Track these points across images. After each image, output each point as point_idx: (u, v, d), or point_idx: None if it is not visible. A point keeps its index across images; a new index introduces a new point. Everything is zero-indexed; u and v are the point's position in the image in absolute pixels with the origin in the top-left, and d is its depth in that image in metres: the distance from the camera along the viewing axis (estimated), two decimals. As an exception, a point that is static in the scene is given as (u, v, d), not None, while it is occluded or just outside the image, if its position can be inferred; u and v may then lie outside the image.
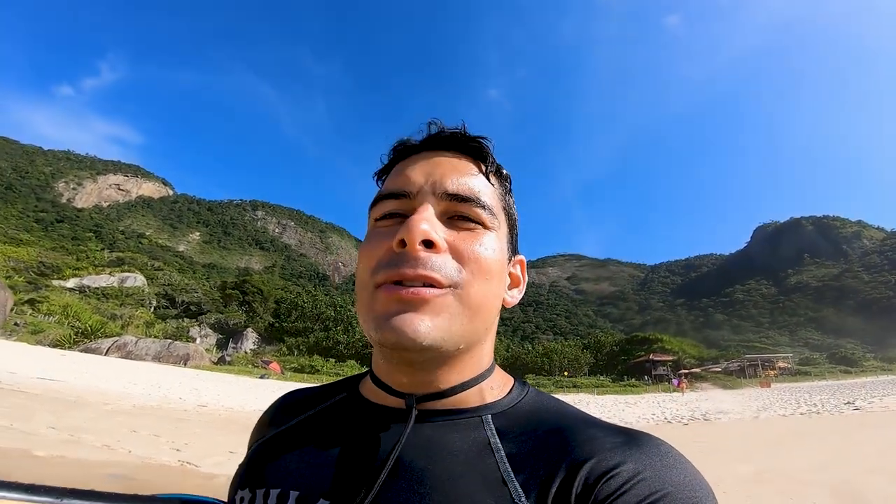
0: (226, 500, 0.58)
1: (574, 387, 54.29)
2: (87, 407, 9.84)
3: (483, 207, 0.53)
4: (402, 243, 0.49)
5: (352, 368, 53.50)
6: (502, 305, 0.57)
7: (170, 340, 44.17)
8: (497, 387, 0.56)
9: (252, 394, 20.79)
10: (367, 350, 60.38)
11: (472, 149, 0.57)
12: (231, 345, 59.98)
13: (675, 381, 53.85)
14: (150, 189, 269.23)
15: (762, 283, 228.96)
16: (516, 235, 0.61)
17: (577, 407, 0.54)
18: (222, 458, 6.46)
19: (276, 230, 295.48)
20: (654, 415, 21.52)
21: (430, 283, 0.49)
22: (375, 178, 0.62)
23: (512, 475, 0.45)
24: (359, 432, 0.53)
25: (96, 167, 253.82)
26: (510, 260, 0.59)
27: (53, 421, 7.14)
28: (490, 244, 0.53)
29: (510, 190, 0.61)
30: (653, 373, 66.06)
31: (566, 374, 66.45)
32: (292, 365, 50.50)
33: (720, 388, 53.65)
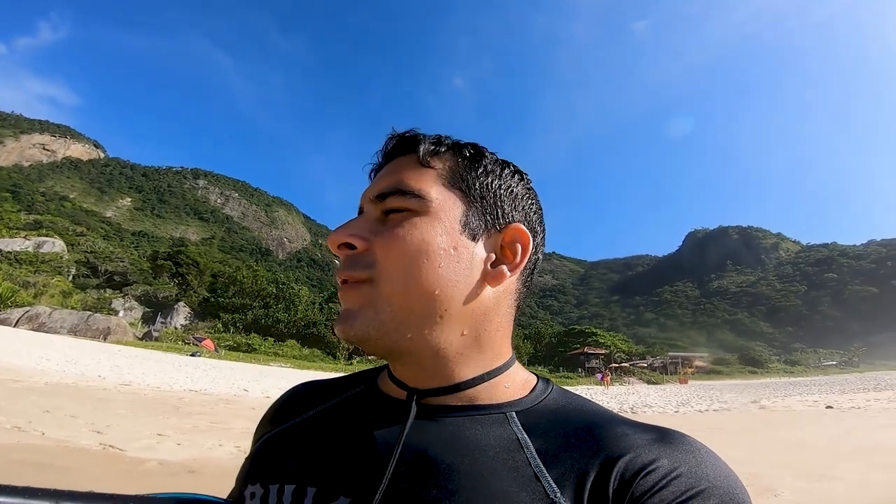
0: (220, 495, 0.57)
1: (512, 376, 55.91)
2: (-6, 384, 9.06)
3: (405, 194, 0.52)
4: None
5: (292, 348, 52.25)
6: (494, 285, 0.53)
7: (89, 313, 40.97)
8: (517, 384, 0.55)
9: (182, 372, 19.91)
10: (308, 330, 59.14)
11: (404, 146, 0.56)
12: (160, 319, 56.60)
13: (598, 375, 56.75)
14: (79, 151, 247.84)
15: (688, 285, 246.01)
16: (497, 207, 0.55)
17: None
18: (151, 441, 6.20)
19: (219, 201, 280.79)
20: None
21: (352, 281, 0.51)
22: None
23: (544, 471, 0.44)
24: (375, 426, 0.52)
25: (21, 125, 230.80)
26: (480, 235, 0.53)
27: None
28: (417, 227, 0.51)
29: (477, 164, 0.56)
30: (586, 365, 69.45)
31: (505, 363, 68.39)
32: (228, 343, 48.50)
33: (645, 382, 57.30)
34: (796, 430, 12.48)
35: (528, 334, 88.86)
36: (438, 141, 0.56)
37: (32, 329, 33.96)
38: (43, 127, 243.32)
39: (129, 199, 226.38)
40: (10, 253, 59.43)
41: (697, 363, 79.75)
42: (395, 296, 0.49)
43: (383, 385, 0.58)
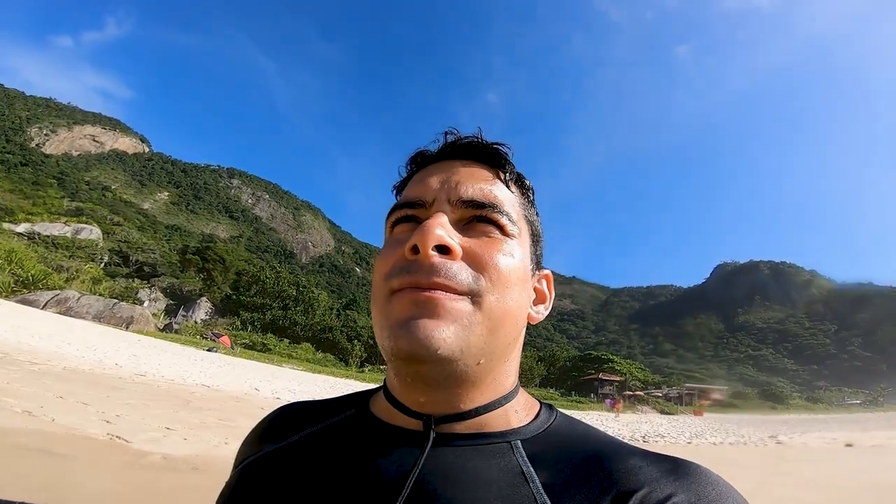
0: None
1: (523, 397, 55.20)
2: (13, 366, 9.41)
3: (501, 213, 0.51)
4: (415, 249, 0.47)
5: (305, 351, 52.75)
6: (527, 322, 0.55)
7: (115, 301, 42.31)
8: (522, 410, 0.53)
9: (197, 367, 20.30)
10: (323, 335, 59.75)
11: (490, 156, 0.55)
12: (182, 312, 58.01)
13: (609, 402, 55.29)
14: (125, 144, 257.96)
15: (713, 318, 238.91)
16: (541, 249, 0.59)
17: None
18: (157, 434, 6.29)
19: (250, 201, 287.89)
20: (594, 434, 22.11)
21: (446, 291, 0.46)
22: (394, 191, 0.61)
23: None
24: (370, 454, 0.49)
25: (75, 117, 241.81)
26: (534, 274, 0.56)
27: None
28: (510, 251, 0.50)
29: (533, 202, 0.59)
30: (599, 391, 68.02)
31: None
32: (244, 341, 49.30)
33: (658, 412, 55.72)
34: (811, 466, 12.13)
35: (542, 356, 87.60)
36: (512, 165, 0.56)
37: (59, 312, 35.18)
38: (95, 119, 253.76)
39: (167, 194, 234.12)
40: (48, 237, 62.16)
41: (715, 396, 77.28)
42: (491, 317, 0.47)
43: (377, 409, 0.55)
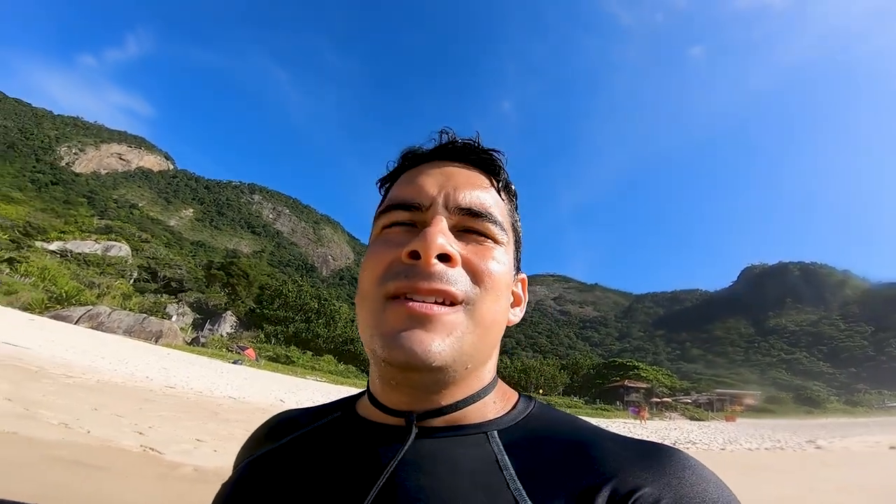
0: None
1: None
2: (49, 379, 9.63)
3: (494, 223, 0.53)
4: (415, 255, 0.48)
5: (328, 363, 53.10)
6: (509, 325, 0.57)
7: (144, 315, 43.40)
8: (500, 401, 0.54)
9: (224, 379, 20.56)
10: (345, 346, 60.03)
11: (485, 162, 0.56)
12: (208, 326, 59.12)
13: (632, 409, 53.96)
14: (151, 162, 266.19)
15: (742, 322, 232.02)
16: (521, 253, 0.61)
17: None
18: (188, 446, 6.33)
19: (271, 216, 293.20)
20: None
21: (443, 298, 0.47)
22: (379, 184, 0.61)
23: (523, 492, 0.42)
24: (353, 451, 0.51)
25: (101, 135, 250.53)
26: (514, 278, 0.58)
27: (11, 391, 6.98)
28: (501, 259, 0.52)
29: (517, 207, 0.61)
30: (625, 399, 66.59)
31: (541, 391, 66.75)
32: (268, 353, 49.95)
33: (688, 419, 54.26)
34: (853, 470, 11.70)
35: (564, 364, 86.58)
36: (505, 173, 0.57)
37: (92, 327, 36.19)
38: (121, 137, 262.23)
39: (192, 210, 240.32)
40: (79, 254, 64.28)
41: (747, 401, 74.51)
42: (482, 325, 0.49)
43: (363, 410, 0.56)
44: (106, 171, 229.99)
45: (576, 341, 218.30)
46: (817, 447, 19.06)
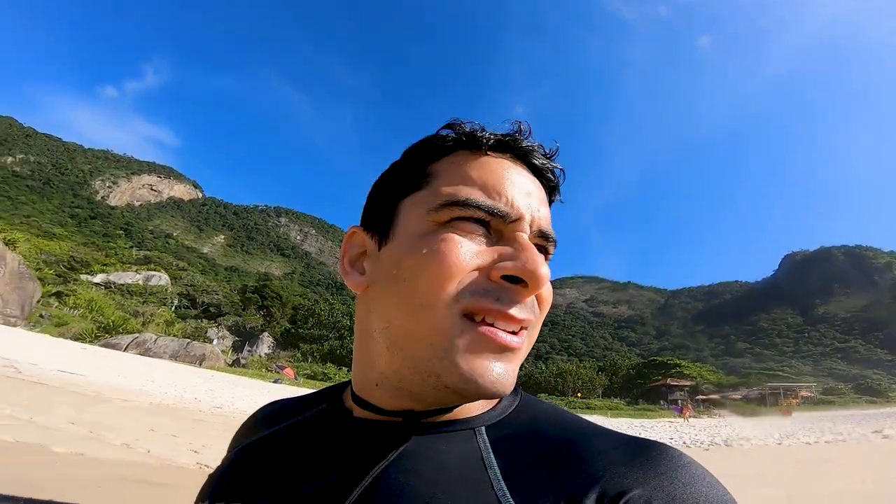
0: None
1: (587, 408, 53.44)
2: (106, 403, 9.98)
3: (554, 246, 0.51)
4: (513, 279, 0.44)
5: (364, 378, 53.54)
6: None
7: (188, 340, 44.90)
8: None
9: (266, 398, 20.87)
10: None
11: (554, 182, 0.54)
12: (247, 348, 60.58)
13: (674, 408, 52.12)
14: (181, 191, 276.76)
15: (788, 312, 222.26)
16: None
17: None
18: None
19: (298, 237, 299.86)
20: (671, 439, 21.07)
21: (521, 327, 0.45)
22: (416, 151, 0.53)
23: (507, 494, 0.40)
24: (338, 446, 0.48)
25: (132, 167, 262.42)
26: None
27: (73, 416, 7.23)
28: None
29: None
30: (669, 398, 64.77)
31: (579, 395, 65.51)
32: (306, 371, 50.74)
33: (739, 415, 52.22)
34: None
35: (602, 366, 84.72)
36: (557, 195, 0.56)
37: (139, 353, 37.62)
38: (150, 168, 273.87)
39: (223, 237, 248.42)
40: (122, 285, 67.16)
41: (803, 393, 70.80)
42: (531, 346, 0.48)
43: (350, 403, 0.54)
44: (139, 203, 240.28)
45: (612, 342, 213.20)
46: (885, 437, 18.13)
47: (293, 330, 66.53)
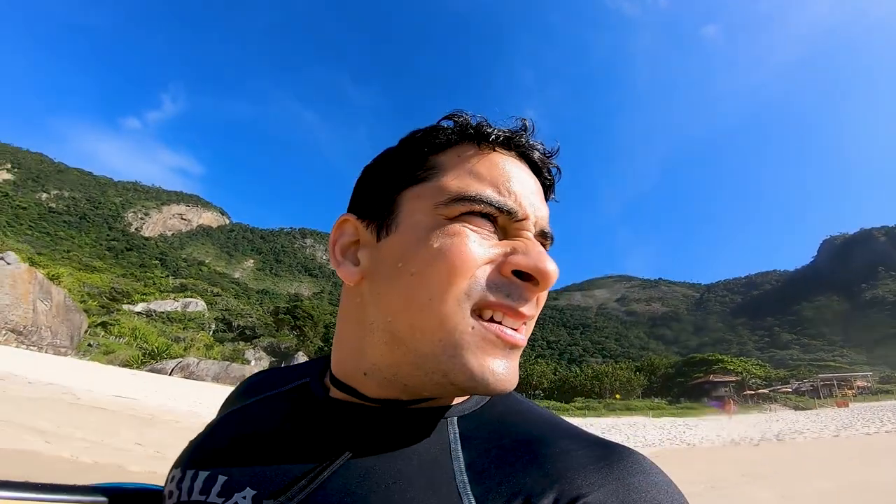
0: None
1: (627, 409, 52.16)
2: (163, 425, 10.32)
3: (552, 244, 0.51)
4: (524, 275, 0.44)
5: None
6: None
7: (227, 362, 46.20)
8: None
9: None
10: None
11: (552, 181, 0.54)
12: (283, 367, 61.87)
13: (714, 404, 50.26)
14: (209, 218, 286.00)
15: (833, 298, 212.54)
16: None
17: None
18: None
19: (324, 257, 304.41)
20: (718, 436, 20.51)
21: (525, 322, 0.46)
22: (415, 140, 0.51)
23: (468, 487, 0.40)
24: (313, 426, 0.48)
25: (161, 197, 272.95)
26: None
27: (137, 437, 7.50)
28: None
29: None
30: (713, 394, 62.69)
31: (618, 396, 64.05)
32: (342, 387, 51.48)
33: (791, 408, 50.20)
34: None
35: (639, 366, 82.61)
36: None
37: (184, 377, 38.93)
38: (179, 197, 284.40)
39: (252, 261, 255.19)
40: (162, 313, 69.63)
41: (859, 383, 67.35)
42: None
43: (326, 382, 0.54)
44: (171, 233, 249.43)
45: (647, 341, 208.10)
46: (953, 424, 17.29)
47: (326, 348, 67.45)
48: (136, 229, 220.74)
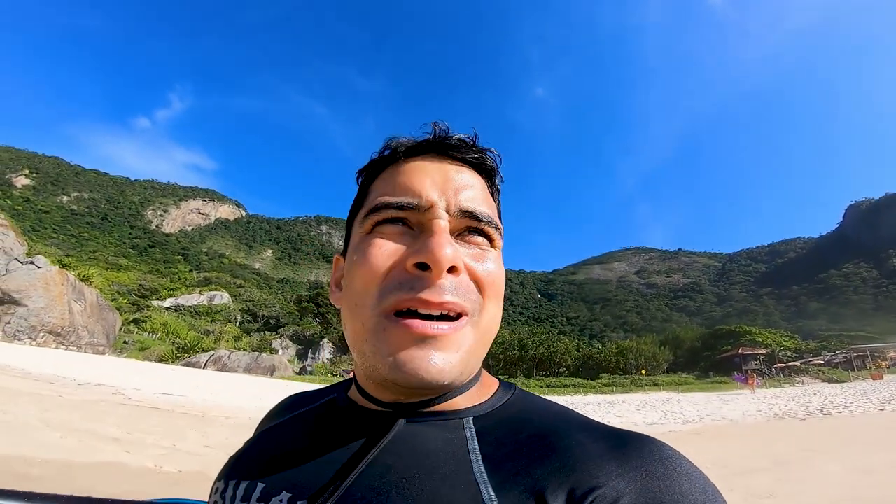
0: None
1: (655, 385, 51.76)
2: (215, 421, 10.44)
3: (493, 226, 0.52)
4: (422, 266, 0.46)
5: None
6: None
7: (257, 353, 47.12)
8: (480, 389, 0.54)
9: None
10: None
11: (483, 162, 0.55)
12: (310, 355, 62.77)
13: (738, 377, 49.40)
14: (226, 211, 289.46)
15: (861, 265, 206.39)
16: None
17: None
18: None
19: (340, 243, 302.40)
20: (759, 411, 20.13)
21: (450, 313, 0.46)
22: (360, 176, 0.59)
23: (486, 476, 0.42)
24: (339, 434, 0.52)
25: (178, 193, 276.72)
26: None
27: (201, 438, 7.54)
28: (499, 263, 0.52)
29: (500, 206, 0.60)
30: (743, 368, 61.69)
31: (643, 371, 63.58)
32: (369, 372, 52.17)
33: (824, 381, 49.17)
34: None
35: (663, 340, 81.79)
36: (500, 175, 0.58)
37: (217, 369, 39.83)
38: (195, 193, 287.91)
39: (271, 251, 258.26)
40: (190, 307, 71.15)
41: (893, 354, 65.69)
42: (486, 333, 0.50)
43: (353, 393, 0.57)
44: (191, 228, 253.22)
45: (670, 313, 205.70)
46: None
47: (350, 334, 68.37)
48: (156, 226, 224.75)
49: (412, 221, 0.50)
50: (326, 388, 0.67)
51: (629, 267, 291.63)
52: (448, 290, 0.45)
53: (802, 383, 48.33)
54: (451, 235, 0.49)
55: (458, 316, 0.46)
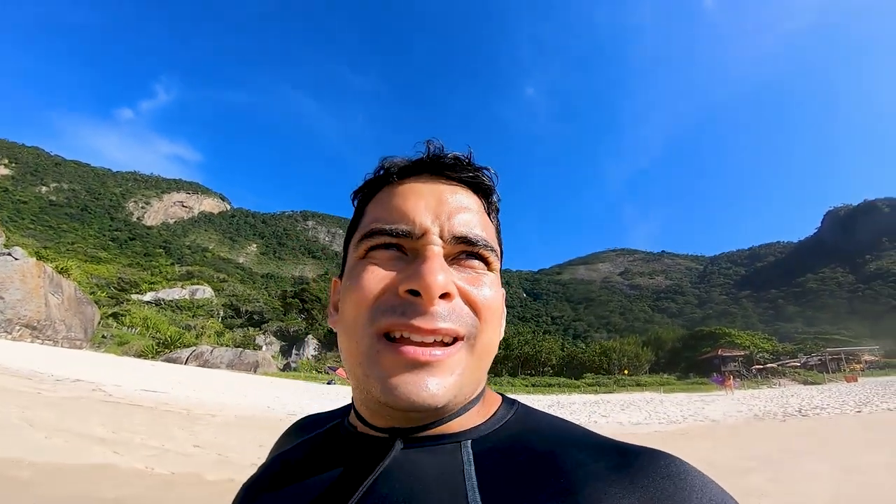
0: None
1: (637, 385, 52.41)
2: (201, 419, 10.21)
3: (489, 249, 0.51)
4: (413, 292, 0.45)
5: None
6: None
7: (240, 349, 46.35)
8: (481, 408, 0.53)
9: (327, 399, 21.28)
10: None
11: (479, 183, 0.54)
12: (294, 352, 62.11)
13: (715, 379, 50.43)
14: (210, 205, 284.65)
15: (838, 270, 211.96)
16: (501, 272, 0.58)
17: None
18: None
19: (327, 239, 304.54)
20: (739, 412, 20.47)
21: (444, 338, 0.46)
22: (355, 198, 0.58)
23: None
24: (338, 461, 0.51)
25: (161, 186, 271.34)
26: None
27: (190, 437, 7.36)
28: (496, 285, 0.52)
29: (499, 225, 0.58)
30: (722, 369, 62.85)
31: (626, 372, 64.38)
32: (354, 369, 51.83)
33: (800, 383, 50.35)
34: None
35: (646, 340, 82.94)
36: (497, 195, 0.56)
37: (199, 365, 39.08)
38: (178, 185, 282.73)
39: (255, 245, 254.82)
40: (171, 301, 69.78)
41: (867, 357, 67.56)
42: (483, 356, 0.49)
43: (352, 419, 0.56)
44: (174, 220, 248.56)
45: (652, 314, 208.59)
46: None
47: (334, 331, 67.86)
48: (137, 218, 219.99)
49: (406, 247, 0.49)
50: (335, 411, 0.66)
51: (613, 268, 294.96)
52: (440, 317, 0.45)
53: (779, 385, 49.36)
54: (446, 260, 0.49)
55: (454, 340, 0.46)
